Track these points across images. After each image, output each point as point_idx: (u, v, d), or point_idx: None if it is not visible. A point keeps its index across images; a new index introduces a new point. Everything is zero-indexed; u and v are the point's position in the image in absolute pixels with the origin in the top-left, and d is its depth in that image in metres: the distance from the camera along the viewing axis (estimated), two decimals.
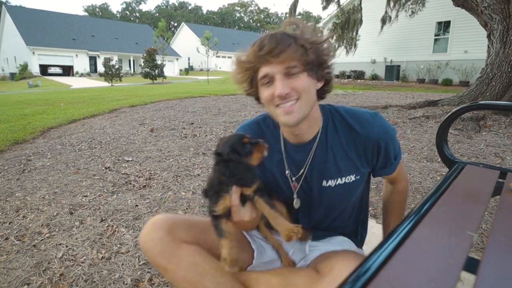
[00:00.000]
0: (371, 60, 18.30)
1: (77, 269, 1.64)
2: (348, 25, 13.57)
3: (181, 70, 42.25)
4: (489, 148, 3.65)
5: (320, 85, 0.94)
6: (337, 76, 19.43)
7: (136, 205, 2.39)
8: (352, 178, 1.00)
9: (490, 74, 5.42)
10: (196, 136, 4.46)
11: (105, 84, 20.58)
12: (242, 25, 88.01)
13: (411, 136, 4.21)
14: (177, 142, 4.12)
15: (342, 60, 17.66)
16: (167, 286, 1.51)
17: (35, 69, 31.70)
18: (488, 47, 5.67)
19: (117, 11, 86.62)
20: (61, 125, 5.35)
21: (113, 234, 1.99)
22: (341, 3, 12.67)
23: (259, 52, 0.85)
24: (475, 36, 13.54)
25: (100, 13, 78.84)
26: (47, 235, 1.98)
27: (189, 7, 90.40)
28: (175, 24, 75.88)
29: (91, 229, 2.04)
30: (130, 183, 2.82)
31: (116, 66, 20.81)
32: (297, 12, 11.02)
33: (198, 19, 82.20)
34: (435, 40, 16.11)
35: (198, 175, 3.00)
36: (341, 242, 1.08)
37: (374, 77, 18.01)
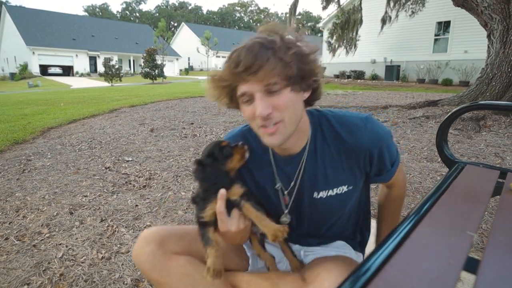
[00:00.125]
0: (371, 60, 18.31)
1: (77, 269, 1.64)
2: (348, 25, 13.55)
3: (181, 70, 42.26)
4: (489, 148, 3.65)
5: (307, 95, 0.86)
6: (337, 76, 19.46)
7: (136, 205, 2.39)
8: (344, 189, 0.95)
9: (490, 74, 5.42)
10: (196, 136, 4.46)
11: (105, 84, 20.57)
12: (242, 25, 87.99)
13: (411, 136, 4.21)
14: (177, 142, 4.12)
15: (342, 60, 17.67)
16: None
17: (35, 69, 31.70)
18: (488, 47, 5.67)
19: (117, 11, 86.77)
20: (61, 125, 5.35)
21: (113, 234, 1.99)
22: (341, 3, 12.66)
23: (235, 69, 0.76)
24: (475, 36, 13.55)
25: (100, 13, 78.86)
26: (47, 235, 1.99)
27: (189, 7, 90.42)
28: (175, 24, 75.90)
29: (91, 229, 2.04)
30: (130, 183, 2.82)
31: (116, 66, 20.79)
32: (297, 12, 11.02)
33: (198, 19, 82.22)
34: (435, 40, 16.11)
35: None
36: (338, 246, 1.06)
37: (374, 77, 18.01)
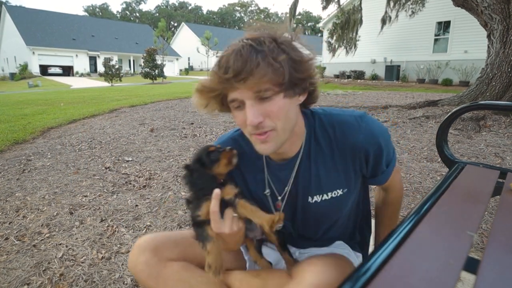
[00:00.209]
0: (371, 60, 18.31)
1: (77, 269, 1.64)
2: (348, 25, 13.54)
3: (181, 70, 42.24)
4: (489, 148, 3.65)
5: (303, 98, 0.82)
6: (337, 76, 19.46)
7: (136, 205, 2.39)
8: (339, 192, 0.91)
9: (490, 74, 5.42)
10: (196, 136, 4.46)
11: (105, 84, 20.57)
12: (242, 25, 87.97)
13: (411, 136, 4.21)
14: (177, 142, 4.12)
15: (342, 60, 17.66)
16: None
17: (35, 69, 31.70)
18: (488, 47, 5.67)
19: (117, 11, 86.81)
20: (61, 125, 5.35)
21: (113, 234, 1.99)
22: (341, 3, 12.65)
23: (224, 75, 0.71)
24: (475, 36, 13.55)
25: (100, 13, 78.86)
26: (47, 235, 1.99)
27: (189, 7, 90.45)
28: (175, 24, 75.91)
29: (91, 229, 2.04)
30: (130, 183, 2.82)
31: (116, 66, 20.77)
32: (297, 12, 11.02)
33: (198, 19, 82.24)
34: (435, 40, 16.11)
35: None
36: (334, 246, 1.04)
37: (374, 77, 18.01)
